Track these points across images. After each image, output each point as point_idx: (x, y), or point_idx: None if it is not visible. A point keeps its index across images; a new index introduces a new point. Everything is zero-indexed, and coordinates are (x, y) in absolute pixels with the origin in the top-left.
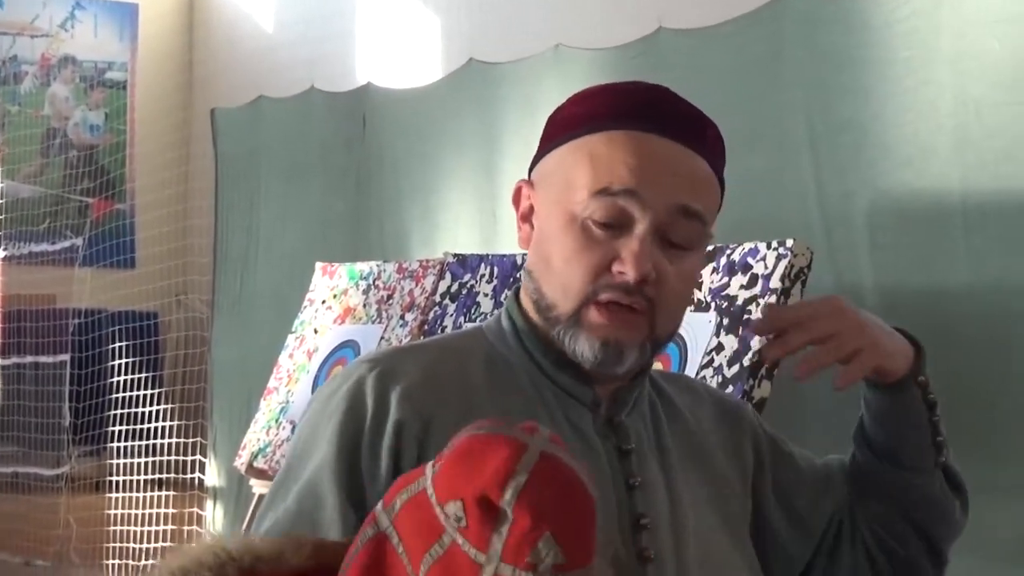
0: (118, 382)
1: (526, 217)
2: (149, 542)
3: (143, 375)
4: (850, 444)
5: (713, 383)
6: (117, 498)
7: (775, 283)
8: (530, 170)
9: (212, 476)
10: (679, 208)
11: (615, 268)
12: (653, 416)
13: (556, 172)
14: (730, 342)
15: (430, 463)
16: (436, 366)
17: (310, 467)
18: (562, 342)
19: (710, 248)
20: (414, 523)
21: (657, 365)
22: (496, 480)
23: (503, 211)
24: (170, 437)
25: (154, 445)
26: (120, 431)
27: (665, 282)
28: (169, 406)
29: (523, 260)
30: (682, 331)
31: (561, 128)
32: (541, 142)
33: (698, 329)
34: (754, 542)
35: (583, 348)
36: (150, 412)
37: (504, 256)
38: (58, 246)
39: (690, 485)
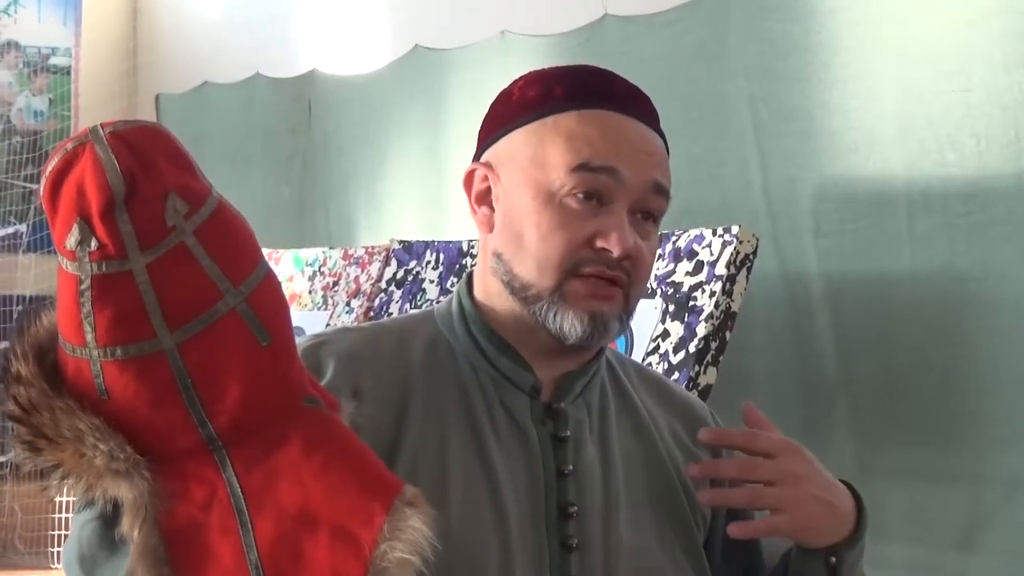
0: None
1: (481, 200)
2: None
3: None
4: (794, 432)
5: (659, 369)
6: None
7: (720, 270)
8: (479, 153)
9: None
10: (653, 184)
11: (598, 243)
12: (602, 406)
13: (522, 152)
14: (676, 328)
15: None
16: (375, 342)
17: None
18: (544, 320)
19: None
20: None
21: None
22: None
23: (449, 197)
24: None
25: None
26: None
27: (639, 258)
28: None
29: (469, 246)
30: None
31: (519, 109)
32: (493, 125)
33: (644, 315)
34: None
35: (570, 324)
36: None
37: (450, 242)
38: (1, 232)
39: (632, 479)
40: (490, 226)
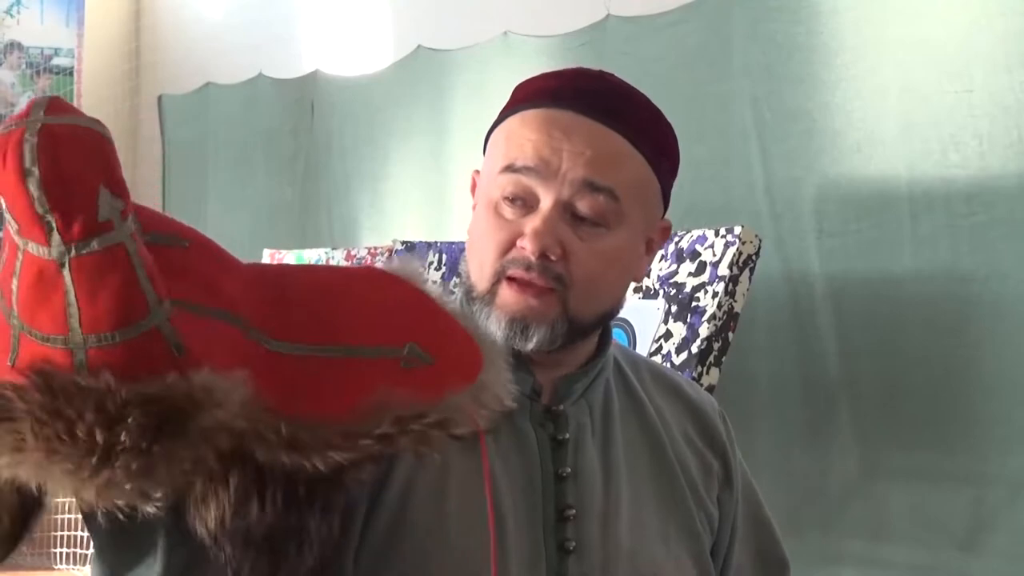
0: None
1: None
2: None
3: None
4: (797, 433)
5: None
6: None
7: (723, 270)
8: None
9: None
10: (583, 183)
11: (518, 243)
12: (605, 408)
13: (487, 158)
14: (678, 329)
15: None
16: None
17: None
18: (482, 322)
19: None
20: (7, 248)
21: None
22: (17, 185)
23: (452, 198)
24: None
25: None
26: None
27: (577, 261)
28: None
29: None
30: (630, 318)
31: (499, 117)
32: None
33: (646, 316)
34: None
35: (493, 325)
36: None
37: (453, 243)
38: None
39: (636, 482)
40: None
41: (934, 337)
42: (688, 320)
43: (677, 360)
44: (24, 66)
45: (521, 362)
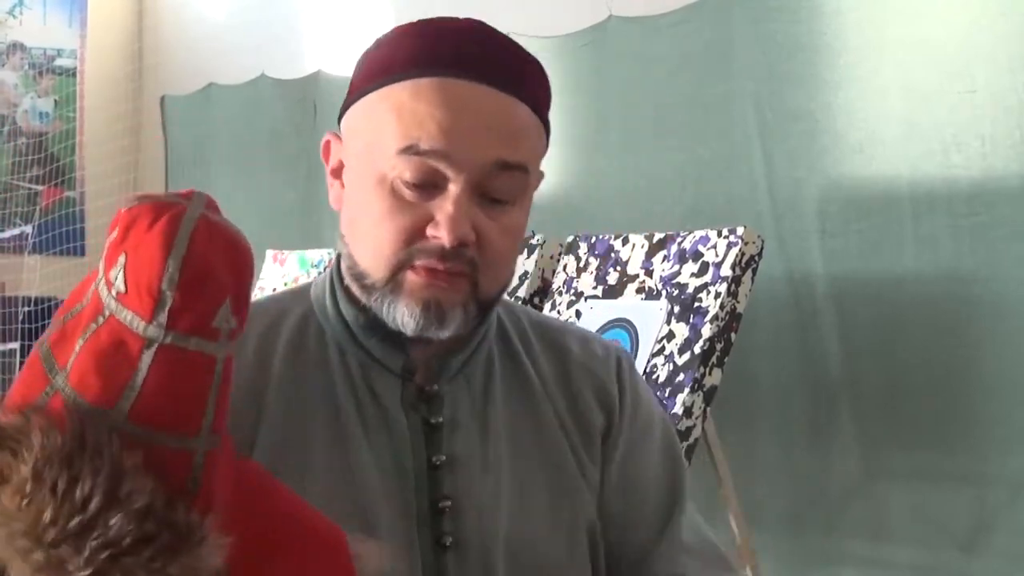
0: None
1: (336, 174)
2: None
3: None
4: (799, 433)
5: (664, 371)
6: None
7: (726, 271)
8: (339, 120)
9: None
10: (497, 163)
11: (429, 232)
12: (486, 381)
13: (362, 125)
14: (681, 330)
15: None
16: (250, 324)
17: None
18: (380, 311)
19: (661, 236)
20: (86, 304)
21: None
22: (157, 253)
23: None
24: None
25: None
26: None
27: (488, 242)
28: None
29: None
30: (633, 318)
31: (366, 75)
32: (349, 89)
33: (649, 317)
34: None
35: (403, 315)
36: None
37: None
38: (7, 234)
39: (519, 459)
40: (340, 204)
41: (935, 337)
42: (691, 321)
43: (680, 360)
44: (27, 67)
45: (392, 339)
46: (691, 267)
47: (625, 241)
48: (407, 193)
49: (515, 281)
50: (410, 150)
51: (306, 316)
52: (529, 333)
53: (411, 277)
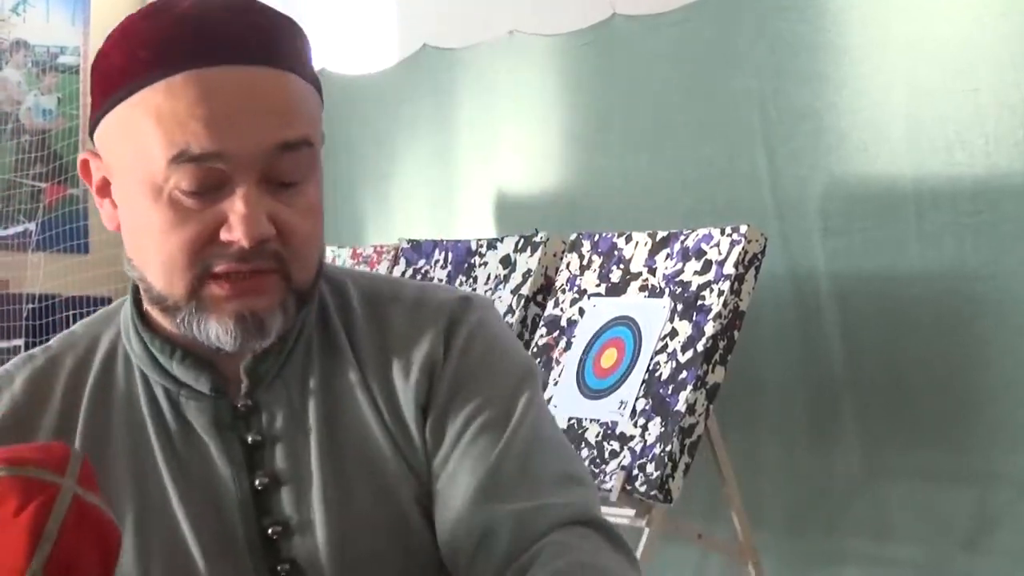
0: None
1: (103, 192)
2: None
3: None
4: (802, 431)
5: (667, 368)
6: None
7: (728, 269)
8: (91, 133)
9: None
10: (277, 146)
11: (223, 236)
12: (303, 383)
13: (120, 136)
14: (684, 327)
15: None
16: (50, 373)
17: None
18: (191, 331)
19: (665, 234)
20: None
21: (611, 349)
22: (22, 547)
23: (458, 196)
24: None
25: None
26: None
27: (290, 231)
28: None
29: (478, 245)
30: (636, 316)
31: (108, 82)
32: (94, 101)
33: (652, 315)
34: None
35: (217, 332)
36: None
37: (459, 241)
38: (11, 231)
39: (338, 468)
40: (115, 224)
41: (939, 336)
42: (694, 318)
43: (682, 358)
44: (30, 64)
45: (195, 359)
46: (694, 265)
47: (628, 239)
48: (188, 202)
49: (519, 279)
50: (181, 157)
51: (115, 344)
52: (355, 308)
53: (214, 290)
